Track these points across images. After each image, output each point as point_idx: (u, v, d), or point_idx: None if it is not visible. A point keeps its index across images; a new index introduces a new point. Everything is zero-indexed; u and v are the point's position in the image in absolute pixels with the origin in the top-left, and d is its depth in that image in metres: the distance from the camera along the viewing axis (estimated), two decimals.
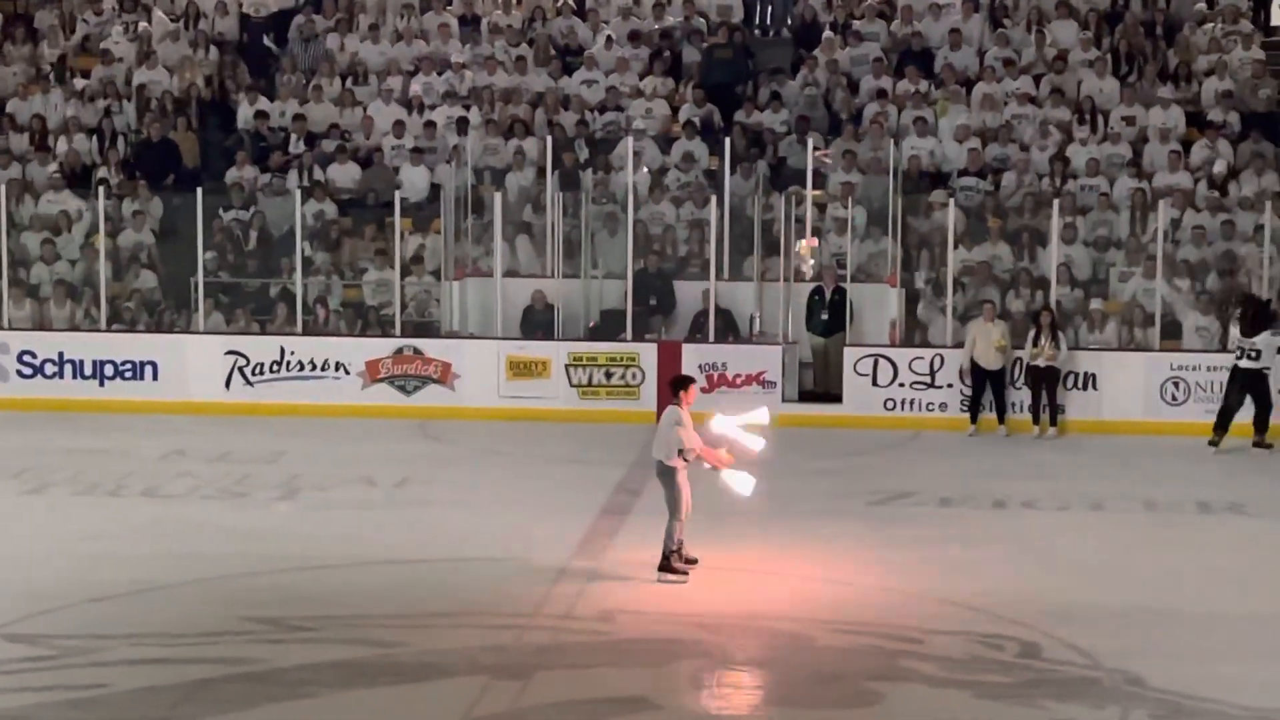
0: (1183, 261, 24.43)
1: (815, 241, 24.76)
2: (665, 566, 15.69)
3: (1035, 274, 24.60)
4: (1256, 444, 22.04)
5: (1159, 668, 13.23)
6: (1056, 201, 24.23)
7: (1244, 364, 21.81)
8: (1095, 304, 24.11)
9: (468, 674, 13.06)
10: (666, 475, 15.72)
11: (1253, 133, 26.87)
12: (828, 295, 24.20)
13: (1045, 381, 22.85)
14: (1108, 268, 24.98)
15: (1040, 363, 22.76)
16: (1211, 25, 29.32)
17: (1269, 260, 23.63)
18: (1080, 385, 23.19)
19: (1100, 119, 27.56)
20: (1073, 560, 16.65)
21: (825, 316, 24.13)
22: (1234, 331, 22.22)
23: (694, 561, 15.85)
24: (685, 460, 15.62)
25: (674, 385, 16.14)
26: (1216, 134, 26.82)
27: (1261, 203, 24.46)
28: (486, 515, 18.31)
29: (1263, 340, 21.81)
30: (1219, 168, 26.31)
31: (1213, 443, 21.80)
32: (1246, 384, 21.88)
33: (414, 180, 26.83)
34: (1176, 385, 23.04)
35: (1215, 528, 18.27)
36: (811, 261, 24.65)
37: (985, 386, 22.95)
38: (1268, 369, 21.91)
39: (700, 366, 23.50)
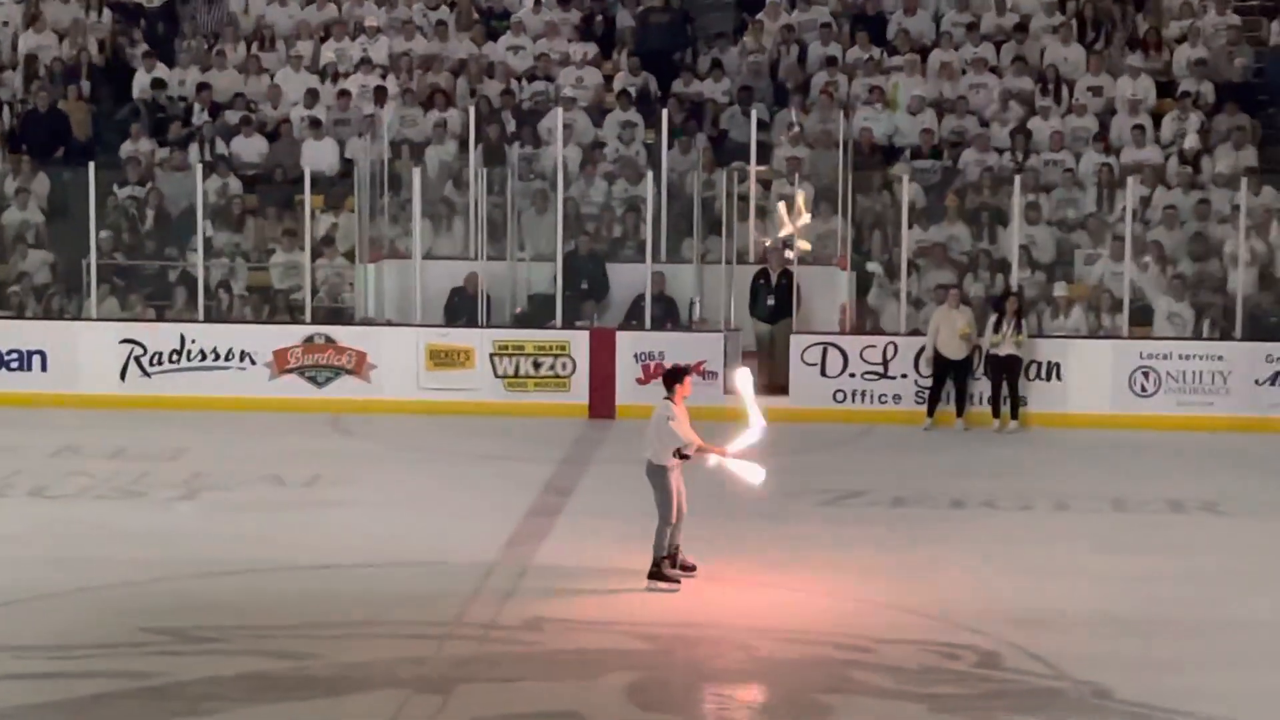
0: (1153, 242, 24.59)
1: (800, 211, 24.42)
2: (656, 574, 15.66)
3: (995, 256, 24.75)
4: None
5: (1128, 678, 13.30)
6: (1018, 178, 24.36)
7: None
8: (1059, 288, 24.25)
9: (384, 687, 13.03)
10: (657, 476, 15.70)
11: (1228, 104, 27.06)
12: (773, 279, 24.24)
13: (1006, 371, 22.98)
14: (1073, 249, 25.14)
15: (1002, 351, 22.87)
16: None
17: (1245, 241, 23.80)
18: (1043, 375, 23.34)
19: (1065, 89, 27.72)
20: (1036, 564, 16.73)
21: (771, 302, 24.18)
22: None
23: (692, 569, 15.84)
24: (684, 458, 15.60)
25: (669, 378, 16.11)
26: (1189, 105, 27.00)
27: (1237, 180, 24.63)
28: (404, 517, 18.28)
29: None
30: (1191, 142, 26.49)
31: None
32: None
33: (325, 155, 26.75)
34: (1146, 375, 23.21)
35: (1189, 528, 18.39)
36: (789, 230, 24.29)
37: (947, 377, 23.07)
38: None
39: (636, 356, 23.55)
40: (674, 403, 15.75)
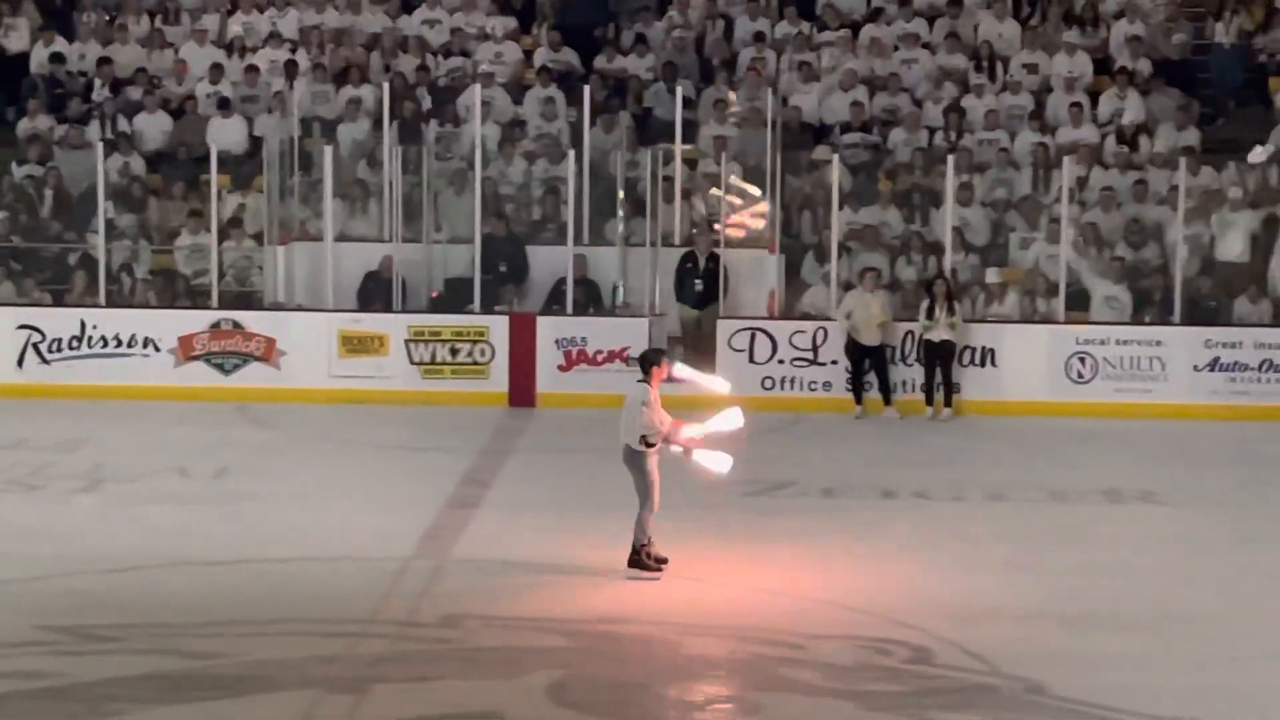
0: (1089, 224, 24.73)
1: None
2: (636, 562, 15.73)
3: (928, 238, 24.84)
4: None
5: (1063, 675, 13.36)
6: (951, 158, 24.44)
7: None
8: (992, 273, 24.36)
9: (295, 687, 12.98)
10: (637, 461, 15.76)
11: (1166, 82, 27.23)
12: (701, 262, 24.27)
13: (940, 357, 23.07)
14: (1007, 231, 25.26)
15: (935, 336, 22.97)
16: None
17: (1184, 224, 23.97)
18: (977, 361, 23.44)
19: (999, 67, 27.84)
20: (969, 556, 16.80)
21: (698, 286, 24.21)
22: None
23: (664, 561, 15.85)
24: (649, 445, 15.66)
25: (645, 361, 16.15)
26: (1127, 83, 27.17)
27: (1175, 160, 24.79)
28: (316, 510, 18.22)
29: None
30: (1130, 116, 26.65)
31: None
32: None
33: (232, 132, 26.62)
34: (1083, 361, 23.35)
35: (1126, 519, 18.51)
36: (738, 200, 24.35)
37: (865, 365, 23.15)
38: None
39: (558, 341, 23.54)
40: (652, 387, 15.78)
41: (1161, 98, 27.01)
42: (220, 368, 23.74)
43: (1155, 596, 15.61)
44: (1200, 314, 23.87)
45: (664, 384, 16.03)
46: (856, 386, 23.18)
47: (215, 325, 23.81)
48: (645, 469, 15.73)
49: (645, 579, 15.67)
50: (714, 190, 24.42)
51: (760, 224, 24.60)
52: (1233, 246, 24.41)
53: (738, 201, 24.34)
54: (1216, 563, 16.77)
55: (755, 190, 24.48)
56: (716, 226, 24.60)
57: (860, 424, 22.87)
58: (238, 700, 12.78)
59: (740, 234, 24.68)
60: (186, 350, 23.73)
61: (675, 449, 15.91)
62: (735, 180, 24.68)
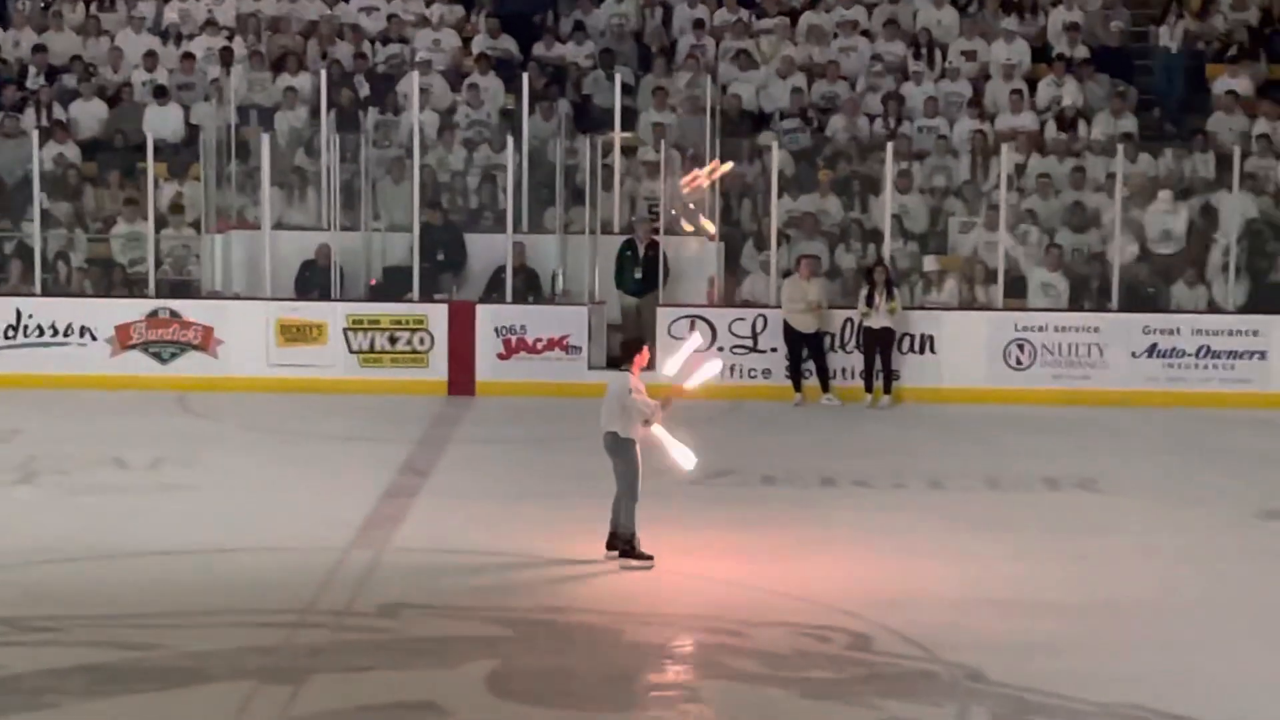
0: (1028, 211, 24.81)
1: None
2: (629, 553, 15.78)
3: (867, 226, 24.88)
4: None
5: (1002, 661, 13.40)
6: (890, 145, 24.48)
7: None
8: (931, 260, 24.42)
9: (232, 679, 12.92)
10: (622, 449, 15.83)
11: (1104, 69, 27.34)
12: (640, 250, 24.26)
13: (879, 344, 23.13)
14: (946, 218, 25.33)
15: (874, 324, 23.01)
16: None
17: (1121, 211, 24.06)
18: (917, 348, 23.51)
19: (938, 54, 27.90)
20: (909, 544, 16.83)
21: (638, 274, 24.20)
22: None
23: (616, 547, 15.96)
24: (648, 424, 15.77)
25: (627, 349, 16.25)
26: (1064, 70, 27.25)
27: (1113, 147, 24.88)
28: (253, 500, 18.16)
29: None
30: (1069, 99, 26.74)
31: None
32: None
33: (169, 120, 26.50)
34: (1021, 348, 23.44)
35: (1065, 507, 18.57)
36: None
37: (802, 352, 23.18)
38: None
39: (497, 330, 23.53)
40: (634, 375, 15.86)
41: (1099, 85, 27.10)
42: (158, 357, 23.64)
43: (1092, 583, 15.67)
44: (1138, 301, 23.97)
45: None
46: (795, 374, 23.22)
47: (152, 314, 23.71)
48: (631, 457, 15.81)
49: (637, 568, 15.69)
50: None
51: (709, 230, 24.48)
52: (1168, 236, 24.49)
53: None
54: (1153, 548, 16.84)
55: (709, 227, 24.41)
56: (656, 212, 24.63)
57: (799, 411, 22.90)
58: (175, 692, 12.72)
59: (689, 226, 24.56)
60: (124, 339, 23.62)
61: (655, 429, 15.93)
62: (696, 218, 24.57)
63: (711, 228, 24.36)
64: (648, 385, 15.98)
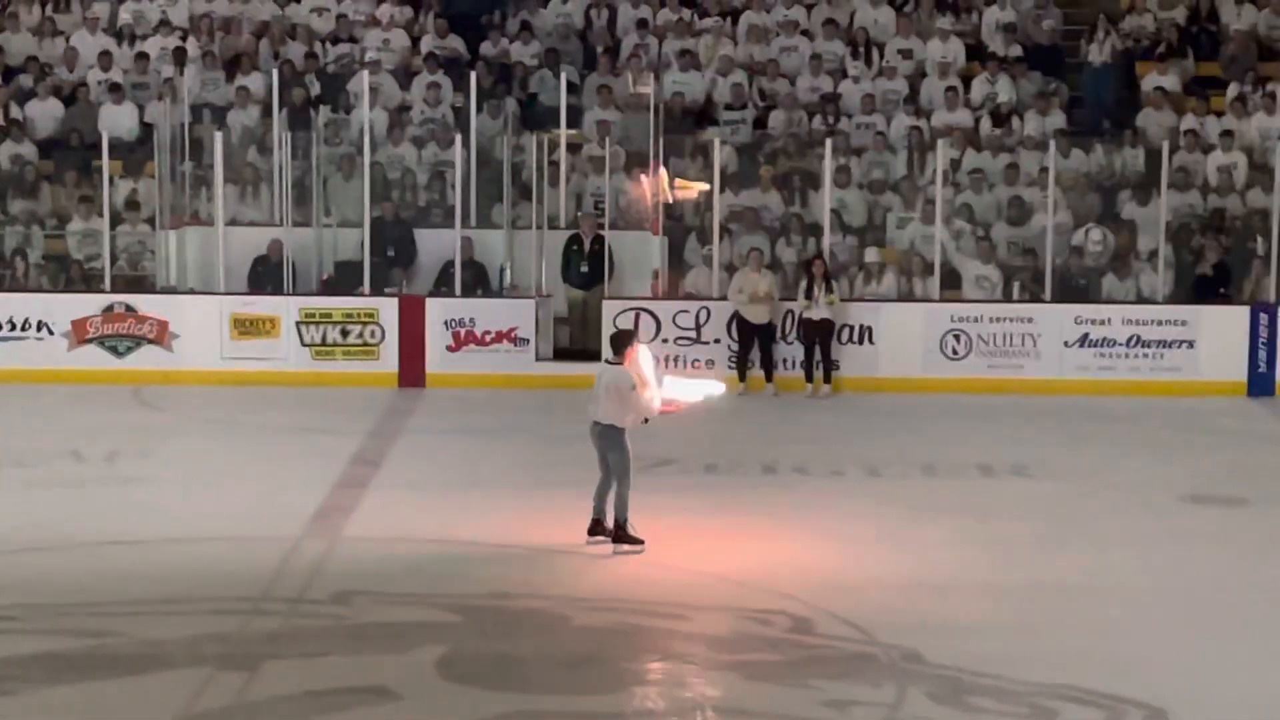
0: (964, 205, 24.91)
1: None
2: (621, 537, 15.85)
3: (807, 220, 24.94)
4: None
5: (939, 643, 13.47)
6: (829, 142, 24.54)
7: None
8: (871, 253, 24.50)
9: (188, 665, 12.91)
10: (614, 438, 15.84)
11: (1035, 67, 27.44)
12: (586, 244, 24.29)
13: (819, 335, 23.19)
14: (884, 212, 25.41)
15: (814, 315, 23.08)
16: None
17: (1053, 205, 24.16)
18: (855, 339, 23.59)
19: (875, 52, 27.96)
20: (847, 530, 16.91)
21: (584, 268, 24.22)
22: None
23: (610, 532, 16.01)
24: (645, 421, 15.92)
25: (617, 342, 16.20)
26: (998, 68, 27.35)
27: (1046, 143, 25.00)
28: (208, 491, 18.12)
29: None
30: (1002, 97, 26.84)
31: None
32: None
33: (124, 119, 26.40)
34: (957, 338, 23.53)
35: (999, 492, 18.66)
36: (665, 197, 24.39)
37: (753, 342, 23.25)
38: None
39: (446, 323, 23.52)
40: (625, 367, 15.84)
41: (1031, 82, 27.20)
42: (114, 350, 23.57)
43: (1026, 566, 15.76)
44: (1070, 292, 24.08)
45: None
46: (742, 364, 23.27)
47: (108, 309, 23.63)
48: (624, 446, 15.86)
49: (628, 550, 15.80)
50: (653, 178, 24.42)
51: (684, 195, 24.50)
52: (1096, 234, 24.64)
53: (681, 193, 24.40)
54: (1084, 532, 16.93)
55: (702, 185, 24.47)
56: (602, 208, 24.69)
57: (742, 401, 22.93)
58: (132, 679, 12.71)
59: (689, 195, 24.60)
60: (80, 333, 23.54)
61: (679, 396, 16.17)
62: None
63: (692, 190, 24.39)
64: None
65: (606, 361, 16.30)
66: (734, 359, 23.34)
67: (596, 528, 16.08)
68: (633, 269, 24.65)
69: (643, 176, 24.72)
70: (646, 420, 16.01)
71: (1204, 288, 23.99)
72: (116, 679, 12.70)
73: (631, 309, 23.57)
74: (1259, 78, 27.11)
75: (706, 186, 24.23)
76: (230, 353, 23.55)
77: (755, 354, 23.33)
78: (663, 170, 24.51)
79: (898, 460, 19.77)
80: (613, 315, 23.46)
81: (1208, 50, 28.21)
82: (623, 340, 16.25)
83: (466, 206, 24.70)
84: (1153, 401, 22.75)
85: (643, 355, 16.07)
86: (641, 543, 15.87)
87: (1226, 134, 25.94)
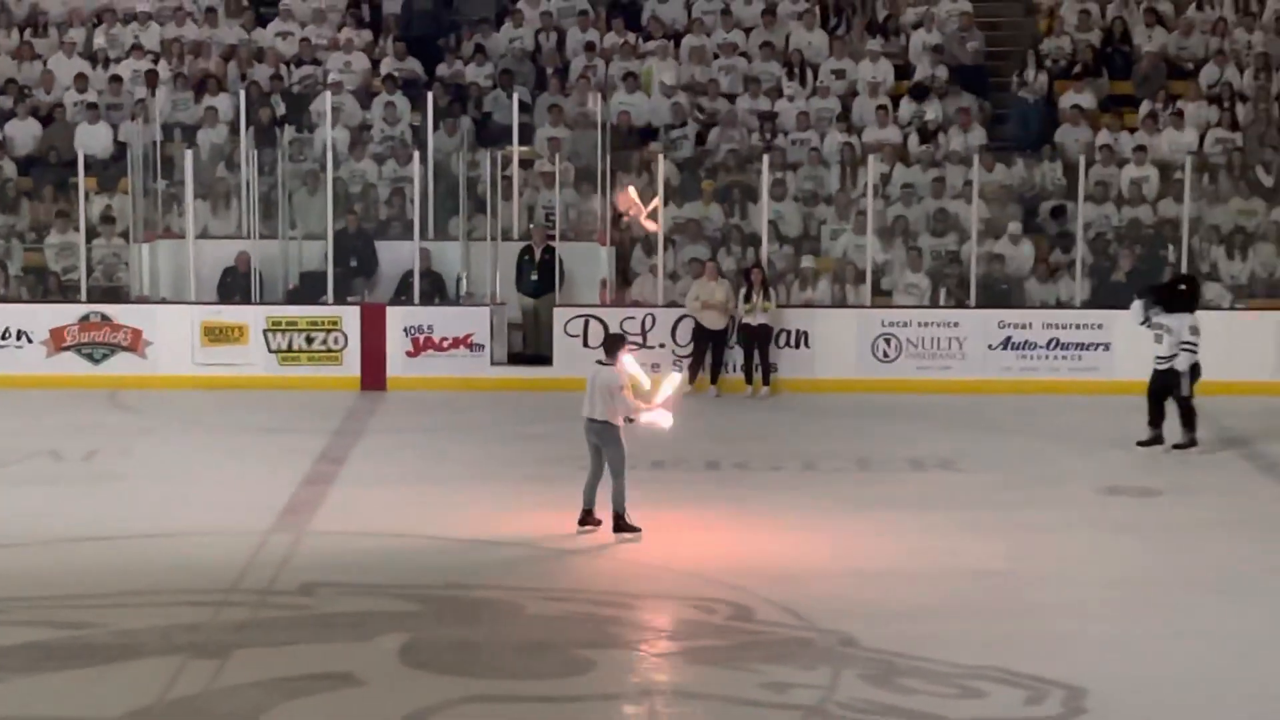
0: (899, 218, 24.95)
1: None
2: (621, 526, 16.10)
3: (746, 231, 24.95)
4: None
5: (872, 627, 13.51)
6: (766, 157, 24.56)
7: (1163, 355, 19.81)
8: (807, 260, 24.53)
9: (162, 654, 12.87)
10: (610, 434, 16.12)
11: (961, 86, 27.50)
12: (537, 254, 24.25)
13: (757, 340, 23.20)
14: (818, 224, 25.44)
15: (752, 320, 23.10)
16: None
17: (978, 216, 24.23)
18: (792, 343, 23.59)
19: (809, 73, 28.00)
20: (785, 521, 16.93)
21: (534, 277, 24.18)
22: (1186, 317, 19.80)
23: (598, 523, 16.27)
24: (630, 420, 16.19)
25: (611, 345, 16.58)
26: (925, 87, 27.40)
27: (970, 157, 25.07)
28: (181, 488, 18.05)
29: (1174, 322, 19.84)
30: (929, 114, 26.92)
31: (1191, 442, 19.91)
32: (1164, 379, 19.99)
33: (99, 138, 26.26)
34: (888, 342, 23.56)
35: (928, 485, 18.69)
36: (639, 212, 24.32)
37: (708, 347, 23.27)
38: (1175, 356, 19.81)
39: (406, 330, 23.45)
40: (616, 369, 16.16)
41: (956, 100, 27.27)
42: (90, 358, 23.43)
43: (953, 554, 15.80)
44: (993, 297, 24.14)
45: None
46: (694, 367, 23.24)
47: (85, 318, 23.50)
48: (620, 442, 16.14)
49: (629, 538, 16.05)
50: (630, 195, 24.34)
51: (652, 225, 24.43)
52: (1019, 247, 24.74)
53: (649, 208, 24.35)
54: (1007, 522, 16.98)
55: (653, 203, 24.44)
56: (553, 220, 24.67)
57: (686, 401, 22.79)
58: (108, 667, 12.67)
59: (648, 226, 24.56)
60: (58, 342, 23.40)
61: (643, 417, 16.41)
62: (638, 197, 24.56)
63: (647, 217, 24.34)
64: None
65: (599, 363, 16.50)
66: (678, 362, 23.28)
67: (587, 518, 16.30)
68: (582, 278, 24.62)
69: (630, 190, 24.53)
70: (630, 420, 16.23)
71: (1118, 293, 24.03)
72: (94, 667, 12.65)
73: (580, 315, 23.53)
74: (1169, 96, 27.24)
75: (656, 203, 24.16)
76: (201, 359, 23.44)
77: (709, 358, 23.33)
78: (631, 190, 24.43)
79: (833, 456, 19.80)
80: (563, 322, 23.45)
81: (1121, 70, 28.31)
82: (615, 344, 16.59)
83: (425, 219, 24.63)
84: (1071, 400, 22.81)
85: (629, 363, 16.45)
86: (639, 530, 16.08)
87: (1139, 149, 26.05)
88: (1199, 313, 20.25)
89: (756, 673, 12.68)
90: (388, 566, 15.24)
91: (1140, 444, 19.97)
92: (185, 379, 23.26)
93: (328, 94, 25.83)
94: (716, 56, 28.30)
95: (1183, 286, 20.47)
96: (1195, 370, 19.80)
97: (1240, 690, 12.59)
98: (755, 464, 19.40)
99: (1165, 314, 19.88)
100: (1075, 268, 23.99)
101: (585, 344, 23.30)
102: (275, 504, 17.23)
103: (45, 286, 24.47)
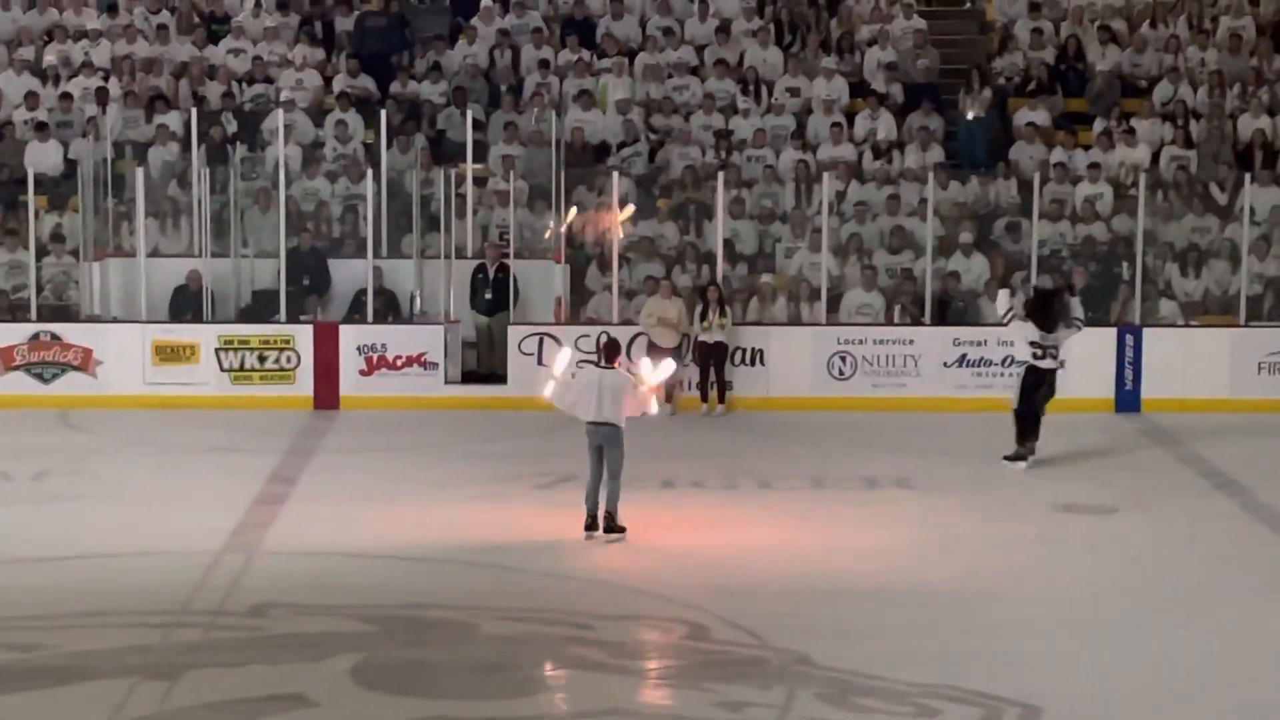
0: (853, 236, 25.02)
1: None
2: (611, 526, 16.64)
3: (701, 249, 24.98)
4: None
5: (827, 646, 13.52)
6: (721, 174, 24.61)
7: (1045, 364, 20.21)
8: (766, 278, 24.58)
9: (113, 676, 12.80)
10: (616, 436, 16.66)
11: (914, 103, 27.63)
12: (491, 273, 24.25)
13: (713, 357, 23.23)
14: (774, 241, 25.50)
15: (708, 338, 23.13)
16: None
17: (932, 233, 24.32)
18: (748, 361, 23.63)
19: (764, 90, 28.08)
20: (741, 540, 16.94)
21: (489, 295, 24.18)
22: (1026, 327, 20.32)
23: (597, 529, 16.75)
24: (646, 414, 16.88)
25: (611, 350, 17.34)
26: (879, 104, 27.52)
27: (925, 175, 25.17)
28: (132, 508, 17.98)
29: (1062, 336, 20.31)
30: (883, 135, 27.03)
31: (1019, 456, 20.24)
32: (1046, 384, 20.31)
33: (49, 156, 26.18)
34: (844, 360, 23.61)
35: (882, 503, 18.71)
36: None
37: None
38: (1063, 365, 20.46)
39: (359, 348, 23.41)
40: (619, 370, 16.89)
41: (910, 117, 27.38)
42: (40, 377, 23.33)
43: (908, 572, 15.83)
44: (948, 314, 24.23)
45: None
46: None
47: (34, 337, 23.40)
48: (622, 443, 16.66)
49: (616, 538, 16.60)
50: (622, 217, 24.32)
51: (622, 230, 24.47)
52: (974, 264, 24.84)
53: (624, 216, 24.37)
54: (962, 541, 17.04)
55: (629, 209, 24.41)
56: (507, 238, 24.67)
57: (643, 419, 22.86)
58: (59, 689, 12.61)
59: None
60: (7, 361, 23.29)
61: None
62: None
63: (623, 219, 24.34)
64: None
65: (599, 367, 17.07)
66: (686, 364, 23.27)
67: (594, 524, 16.69)
68: (537, 296, 24.62)
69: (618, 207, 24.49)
70: (644, 414, 16.84)
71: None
72: (45, 689, 12.58)
73: (535, 334, 23.53)
74: (1122, 113, 27.40)
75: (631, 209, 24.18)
76: (152, 378, 23.35)
77: None
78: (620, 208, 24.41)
79: (788, 474, 19.82)
80: (517, 340, 23.45)
81: (1075, 87, 28.47)
82: (613, 349, 17.34)
83: (378, 237, 24.60)
84: None
85: (645, 365, 17.19)
86: (624, 530, 16.56)
87: (1093, 166, 26.20)
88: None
89: (712, 692, 12.67)
90: (340, 587, 15.20)
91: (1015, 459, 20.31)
92: (136, 398, 23.16)
93: (280, 111, 25.78)
94: (670, 75, 28.35)
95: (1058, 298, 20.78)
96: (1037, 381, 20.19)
97: (1194, 708, 12.64)
98: (711, 482, 19.40)
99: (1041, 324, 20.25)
100: (1029, 285, 24.04)
101: (540, 362, 23.24)
102: (227, 524, 17.16)
103: None
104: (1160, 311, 24.33)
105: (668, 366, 17.39)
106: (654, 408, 17.00)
